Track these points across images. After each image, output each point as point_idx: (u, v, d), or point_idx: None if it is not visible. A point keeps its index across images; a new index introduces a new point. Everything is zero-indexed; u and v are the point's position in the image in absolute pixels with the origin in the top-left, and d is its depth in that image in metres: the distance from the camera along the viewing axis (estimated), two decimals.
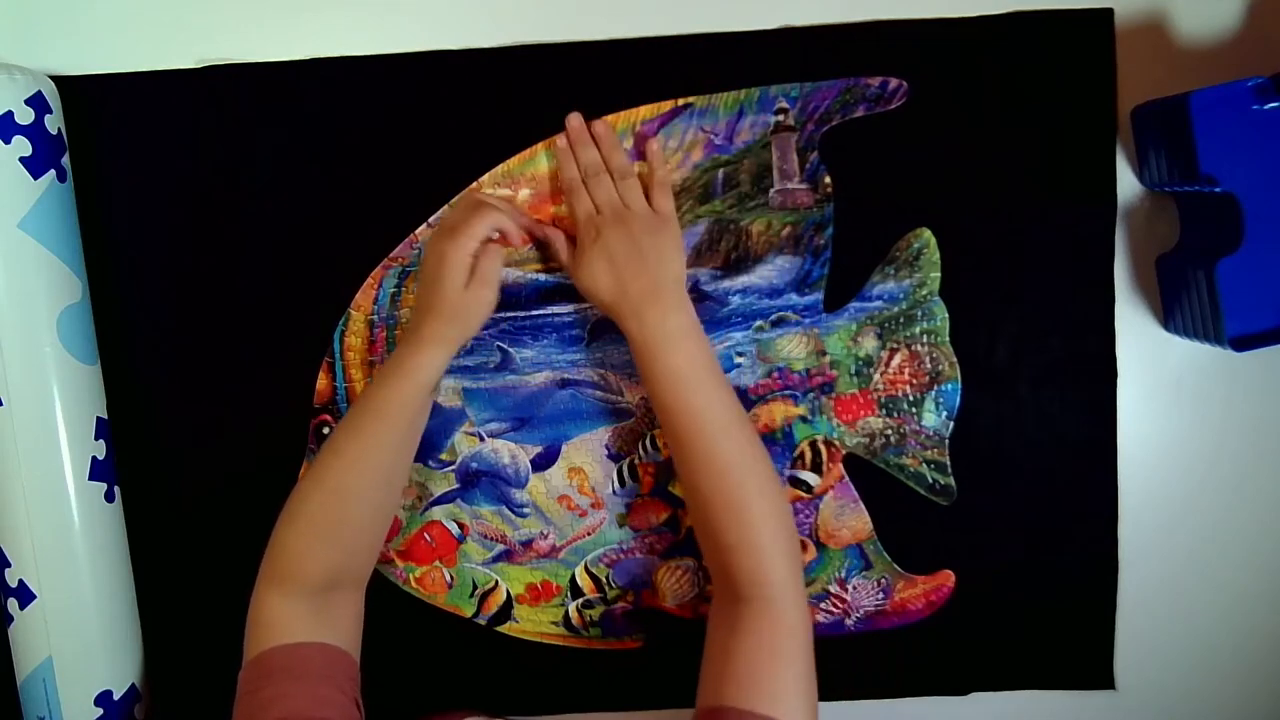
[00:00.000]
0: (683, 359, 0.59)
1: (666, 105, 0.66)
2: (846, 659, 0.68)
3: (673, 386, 0.59)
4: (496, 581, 0.69)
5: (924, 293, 0.66)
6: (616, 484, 0.68)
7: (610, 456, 0.68)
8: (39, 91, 0.62)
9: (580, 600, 0.69)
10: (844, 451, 0.67)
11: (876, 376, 0.67)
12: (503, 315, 0.67)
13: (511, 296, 0.67)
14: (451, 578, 0.69)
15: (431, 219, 0.67)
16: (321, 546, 0.59)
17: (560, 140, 0.65)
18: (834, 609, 0.68)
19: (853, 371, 0.67)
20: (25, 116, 0.60)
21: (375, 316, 0.67)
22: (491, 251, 0.61)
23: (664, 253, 0.61)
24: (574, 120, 0.65)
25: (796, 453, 0.67)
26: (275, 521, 0.65)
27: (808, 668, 0.55)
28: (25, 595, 0.62)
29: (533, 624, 0.70)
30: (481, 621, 0.70)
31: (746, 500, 0.57)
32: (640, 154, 0.66)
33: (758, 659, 0.55)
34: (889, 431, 0.67)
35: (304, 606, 0.57)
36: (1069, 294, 0.66)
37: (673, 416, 0.59)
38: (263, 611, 0.58)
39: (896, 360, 0.67)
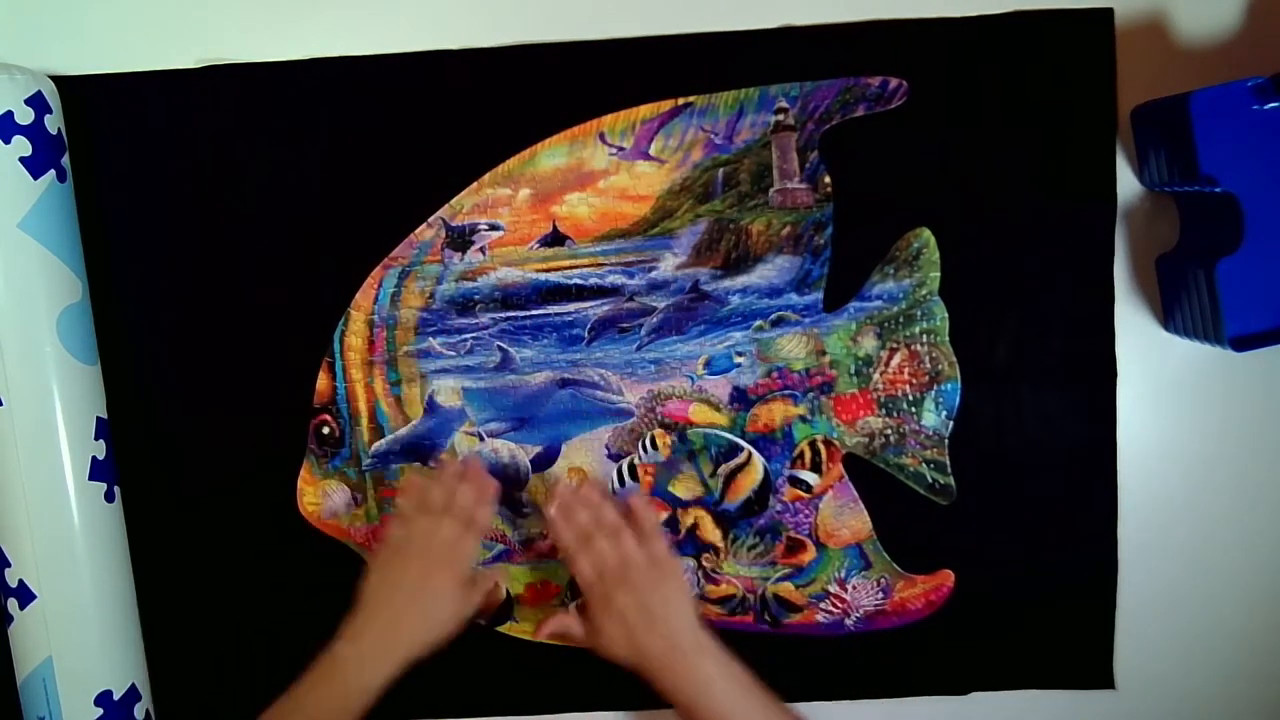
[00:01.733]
0: (723, 702, 0.57)
1: (666, 105, 0.66)
2: (846, 659, 0.69)
3: None
4: (496, 582, 0.69)
5: (923, 292, 0.66)
6: (616, 483, 0.68)
7: (610, 456, 0.68)
8: (39, 91, 0.62)
9: (580, 600, 0.69)
10: (844, 451, 0.67)
11: (876, 376, 0.67)
12: (503, 315, 0.67)
13: (511, 296, 0.67)
14: None
15: (431, 219, 0.67)
16: None
17: (550, 510, 0.63)
18: (834, 609, 0.68)
19: (852, 371, 0.67)
20: (25, 116, 0.60)
21: (375, 316, 0.67)
22: (484, 585, 0.63)
23: (671, 603, 0.60)
24: (562, 489, 0.64)
25: (796, 452, 0.67)
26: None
27: None
28: (25, 595, 0.62)
29: (533, 624, 0.69)
30: (482, 622, 0.70)
31: None
32: (644, 151, 0.66)
33: None
34: (889, 431, 0.67)
35: None
36: (1069, 294, 0.66)
37: None
38: None
39: (896, 360, 0.67)
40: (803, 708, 0.61)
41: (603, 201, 0.66)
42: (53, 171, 0.62)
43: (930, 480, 0.67)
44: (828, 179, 0.66)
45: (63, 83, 0.65)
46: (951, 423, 0.67)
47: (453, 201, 0.67)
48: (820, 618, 0.69)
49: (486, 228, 0.67)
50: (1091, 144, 0.65)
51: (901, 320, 0.66)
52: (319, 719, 0.57)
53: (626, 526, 0.62)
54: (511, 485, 0.68)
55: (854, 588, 0.68)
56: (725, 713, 0.57)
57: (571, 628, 0.63)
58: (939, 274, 0.66)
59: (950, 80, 0.65)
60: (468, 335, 0.67)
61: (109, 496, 0.65)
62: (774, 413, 0.67)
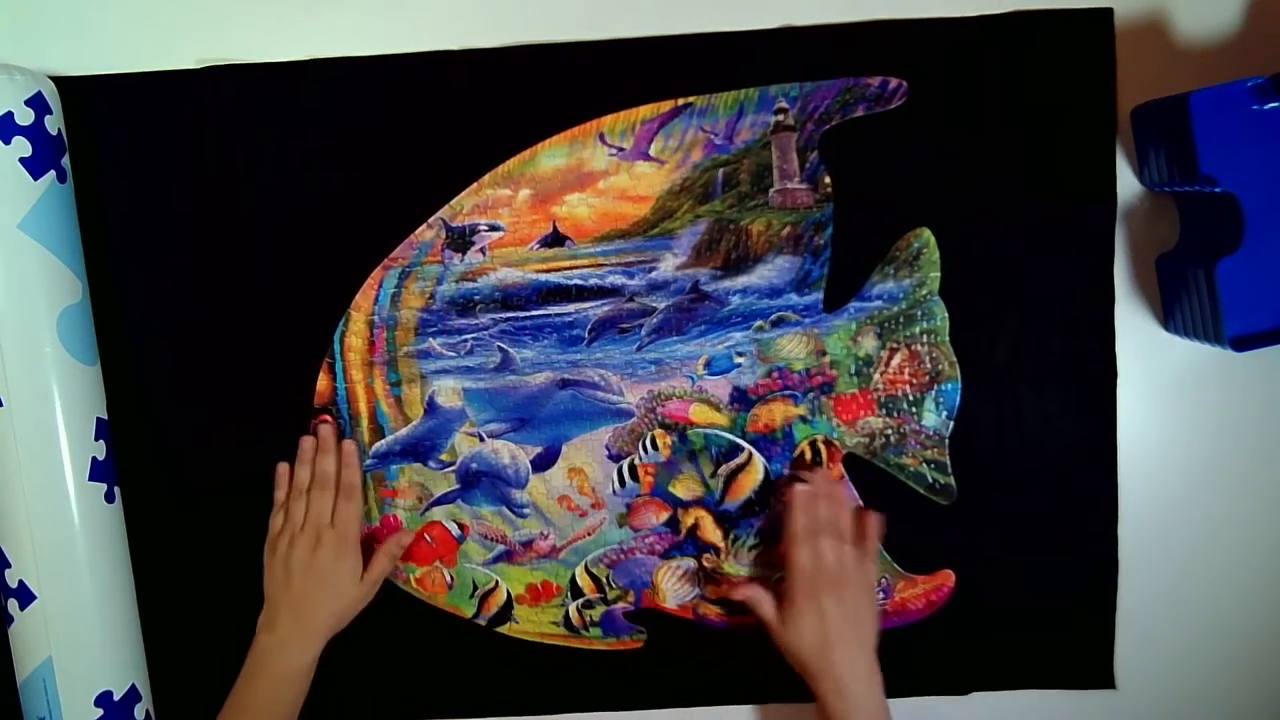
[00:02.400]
0: None
1: (666, 105, 0.66)
2: None
3: None
4: (497, 582, 0.69)
5: (924, 292, 0.66)
6: (616, 484, 0.68)
7: (610, 456, 0.68)
8: (39, 92, 0.62)
9: (580, 600, 0.69)
10: (844, 451, 0.67)
11: (876, 376, 0.67)
12: (503, 315, 0.67)
13: (512, 297, 0.67)
14: (452, 578, 0.69)
15: (431, 219, 0.67)
16: None
17: (801, 488, 0.65)
18: None
19: (852, 371, 0.67)
20: (25, 117, 0.60)
21: (375, 316, 0.67)
22: (390, 548, 0.66)
23: (869, 624, 0.62)
24: (819, 476, 0.65)
25: (796, 452, 0.67)
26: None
27: None
28: (25, 595, 0.62)
29: (533, 624, 0.70)
30: (481, 622, 0.70)
31: None
32: (643, 152, 0.66)
33: None
34: (889, 431, 0.67)
35: None
36: (1069, 294, 0.66)
37: None
38: None
39: (896, 360, 0.67)
40: (804, 708, 0.61)
41: (603, 202, 0.66)
42: (53, 172, 0.62)
43: (930, 480, 0.67)
44: (828, 179, 0.66)
45: (63, 83, 0.65)
46: (951, 423, 0.67)
47: (453, 202, 0.67)
48: None
49: (486, 228, 0.67)
50: (1091, 144, 0.65)
51: (902, 320, 0.66)
52: (262, 709, 0.61)
53: (850, 536, 0.64)
54: (511, 486, 0.68)
55: None
56: None
57: (764, 603, 0.64)
58: (939, 274, 0.66)
59: (950, 80, 0.65)
60: (468, 336, 0.67)
61: (109, 497, 0.65)
62: (774, 413, 0.67)
